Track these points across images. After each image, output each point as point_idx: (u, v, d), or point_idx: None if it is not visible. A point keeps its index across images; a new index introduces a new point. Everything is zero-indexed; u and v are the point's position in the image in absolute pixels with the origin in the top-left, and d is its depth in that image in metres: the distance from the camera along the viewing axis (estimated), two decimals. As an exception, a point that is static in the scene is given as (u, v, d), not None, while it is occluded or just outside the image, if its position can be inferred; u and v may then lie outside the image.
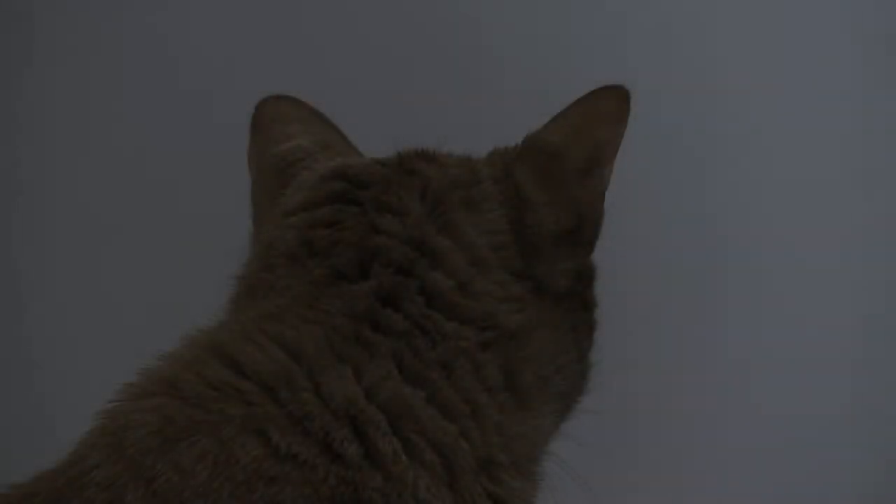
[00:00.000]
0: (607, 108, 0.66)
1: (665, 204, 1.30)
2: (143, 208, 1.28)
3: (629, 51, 1.29)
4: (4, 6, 1.28)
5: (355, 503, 0.52)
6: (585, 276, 0.68)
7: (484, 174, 0.66)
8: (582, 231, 0.67)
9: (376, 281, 0.59)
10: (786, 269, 1.32)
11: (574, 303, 0.67)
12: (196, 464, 0.51)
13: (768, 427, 1.31)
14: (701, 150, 1.31)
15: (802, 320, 1.32)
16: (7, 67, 1.29)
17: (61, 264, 1.29)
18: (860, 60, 1.31)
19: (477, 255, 0.62)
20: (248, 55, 1.28)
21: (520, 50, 1.29)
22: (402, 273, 0.60)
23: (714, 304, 1.32)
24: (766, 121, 1.31)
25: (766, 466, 1.31)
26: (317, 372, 0.55)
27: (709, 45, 1.31)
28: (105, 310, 1.28)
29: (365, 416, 0.54)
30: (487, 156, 0.69)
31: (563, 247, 0.66)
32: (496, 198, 0.64)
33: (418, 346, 0.58)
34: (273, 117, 0.75)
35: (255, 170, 0.74)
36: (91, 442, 0.54)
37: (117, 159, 1.29)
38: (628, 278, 1.22)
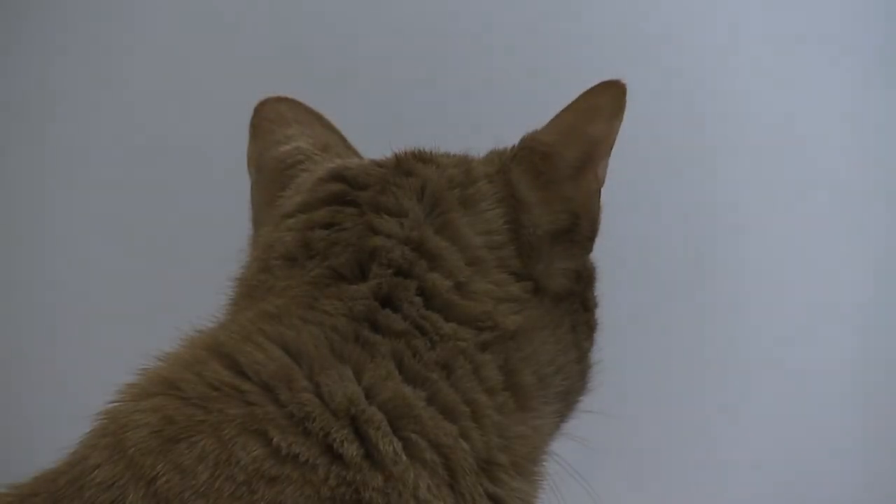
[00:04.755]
0: (601, 103, 0.66)
1: (667, 204, 1.31)
2: (142, 209, 1.29)
3: (631, 50, 1.29)
4: (4, 5, 1.28)
5: None
6: (585, 277, 0.68)
7: (480, 173, 0.65)
8: (578, 230, 0.66)
9: (375, 282, 0.59)
10: (788, 268, 1.32)
11: (574, 303, 0.66)
12: (197, 464, 0.51)
13: (771, 427, 1.31)
14: (702, 150, 1.31)
15: (806, 321, 1.32)
16: (8, 67, 1.29)
17: (61, 265, 1.29)
18: (861, 61, 1.31)
19: (474, 255, 0.62)
20: (248, 56, 1.28)
21: (520, 50, 1.29)
22: (402, 274, 0.60)
23: (717, 305, 1.32)
24: (766, 121, 1.31)
25: (769, 467, 1.31)
26: (317, 372, 0.55)
27: (709, 45, 1.31)
28: (105, 310, 1.28)
29: (365, 416, 0.54)
30: (485, 156, 0.68)
31: (559, 246, 0.66)
32: (493, 197, 0.64)
33: (417, 346, 0.58)
34: (272, 119, 0.75)
35: (255, 171, 0.74)
36: (92, 442, 0.54)
37: (116, 160, 1.29)
38: (631, 278, 1.22)
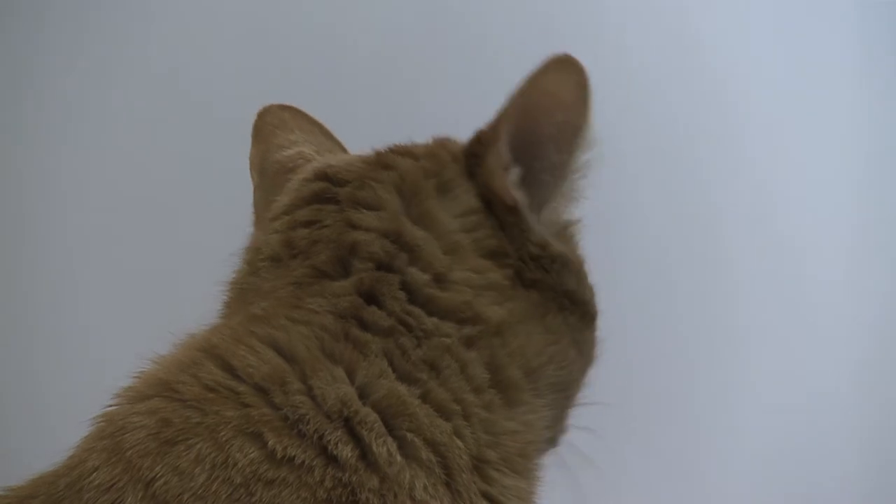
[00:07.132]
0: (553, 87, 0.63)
1: (669, 202, 1.30)
2: (141, 212, 1.29)
3: (633, 49, 1.29)
4: (8, 8, 1.29)
5: None
6: (559, 262, 0.65)
7: (446, 156, 0.64)
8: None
9: (357, 277, 0.59)
10: (788, 266, 1.32)
11: (558, 291, 0.65)
12: (194, 466, 0.51)
13: (776, 424, 1.31)
14: (702, 150, 1.31)
15: (807, 318, 1.32)
16: (10, 68, 1.29)
17: (60, 267, 1.30)
18: (864, 63, 1.31)
19: (451, 240, 0.61)
20: (249, 60, 1.28)
21: (521, 49, 1.29)
22: (383, 268, 0.59)
23: (720, 304, 1.32)
24: (767, 121, 1.31)
25: (772, 464, 1.31)
26: (309, 373, 0.55)
27: (710, 45, 1.31)
28: (102, 312, 1.28)
29: (358, 417, 0.54)
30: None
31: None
32: (461, 176, 0.63)
33: (405, 344, 0.57)
34: (275, 125, 0.75)
35: (257, 175, 0.74)
36: (89, 445, 0.54)
37: (117, 164, 1.30)
38: (637, 276, 1.22)
